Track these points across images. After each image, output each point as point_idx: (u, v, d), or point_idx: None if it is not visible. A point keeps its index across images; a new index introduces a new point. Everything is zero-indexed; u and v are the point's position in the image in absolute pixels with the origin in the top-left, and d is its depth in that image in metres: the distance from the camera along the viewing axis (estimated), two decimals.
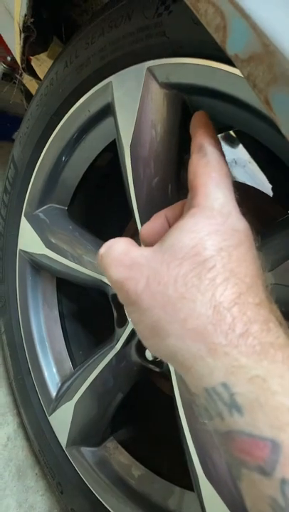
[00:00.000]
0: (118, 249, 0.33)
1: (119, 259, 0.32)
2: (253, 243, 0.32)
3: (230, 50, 0.31)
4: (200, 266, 0.29)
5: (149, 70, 0.51)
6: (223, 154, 0.37)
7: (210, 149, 0.36)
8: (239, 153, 1.93)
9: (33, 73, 0.90)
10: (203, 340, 0.28)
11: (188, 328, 0.28)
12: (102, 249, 0.34)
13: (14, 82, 1.09)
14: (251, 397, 0.26)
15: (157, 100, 0.52)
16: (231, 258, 0.29)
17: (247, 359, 0.26)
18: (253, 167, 1.84)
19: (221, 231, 0.31)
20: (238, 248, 0.30)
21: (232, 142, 1.99)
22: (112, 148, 0.61)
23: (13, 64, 1.11)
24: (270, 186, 1.25)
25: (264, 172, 1.33)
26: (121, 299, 0.33)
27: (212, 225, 0.31)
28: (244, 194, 0.75)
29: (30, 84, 1.06)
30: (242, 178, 1.84)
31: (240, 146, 1.77)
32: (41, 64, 0.95)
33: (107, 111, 0.60)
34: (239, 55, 0.30)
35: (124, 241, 0.34)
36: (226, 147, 1.92)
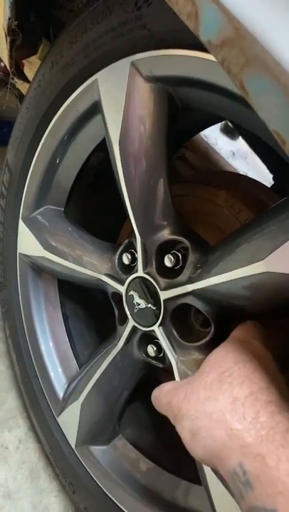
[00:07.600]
0: (167, 385, 0.45)
1: (169, 388, 0.44)
2: (269, 360, 0.41)
3: (204, 37, 0.30)
4: (221, 374, 0.39)
5: (133, 64, 0.51)
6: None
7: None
8: (239, 145, 1.91)
9: (23, 77, 0.90)
10: (224, 427, 0.35)
11: (213, 421, 0.36)
12: (156, 391, 0.46)
13: (8, 87, 1.10)
14: (255, 473, 0.31)
15: (143, 95, 0.52)
16: (245, 368, 0.39)
17: (253, 440, 0.32)
18: (254, 158, 1.82)
19: (238, 351, 0.42)
20: (251, 362, 0.40)
21: (232, 134, 1.98)
22: (104, 147, 0.61)
23: (6, 69, 1.11)
24: (271, 176, 1.24)
25: (264, 162, 1.32)
26: (170, 416, 0.42)
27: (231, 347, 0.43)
28: (240, 185, 0.74)
29: (24, 87, 1.06)
30: (243, 169, 1.82)
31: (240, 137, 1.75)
32: (32, 67, 0.95)
33: (95, 109, 0.60)
34: (212, 40, 0.30)
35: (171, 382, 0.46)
36: (225, 139, 1.90)
